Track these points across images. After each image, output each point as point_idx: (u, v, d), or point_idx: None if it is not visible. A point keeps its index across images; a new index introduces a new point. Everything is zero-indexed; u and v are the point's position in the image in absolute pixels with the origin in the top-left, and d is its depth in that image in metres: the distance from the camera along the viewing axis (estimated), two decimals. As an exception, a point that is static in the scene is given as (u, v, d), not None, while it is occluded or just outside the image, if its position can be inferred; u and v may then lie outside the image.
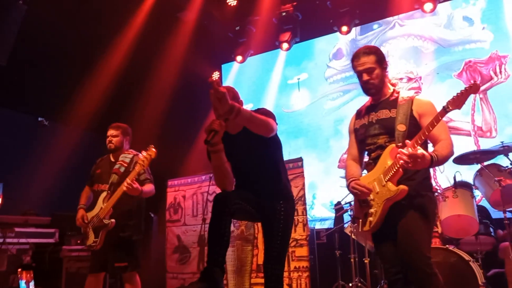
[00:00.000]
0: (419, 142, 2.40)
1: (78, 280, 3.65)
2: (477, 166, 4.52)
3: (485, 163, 4.49)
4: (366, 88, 2.70)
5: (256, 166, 2.87)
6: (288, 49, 7.30)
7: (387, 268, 2.61)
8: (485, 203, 4.60)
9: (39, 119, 5.37)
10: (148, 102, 6.99)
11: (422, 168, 2.46)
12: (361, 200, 2.68)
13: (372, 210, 2.56)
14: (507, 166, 4.21)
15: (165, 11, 6.79)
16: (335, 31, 7.07)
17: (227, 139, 2.73)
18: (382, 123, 2.64)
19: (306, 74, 7.51)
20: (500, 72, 5.81)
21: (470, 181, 4.52)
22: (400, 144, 2.49)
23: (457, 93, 2.37)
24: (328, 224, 6.39)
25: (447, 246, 3.93)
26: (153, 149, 3.72)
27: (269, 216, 2.79)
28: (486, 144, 5.56)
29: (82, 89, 6.24)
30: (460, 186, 4.27)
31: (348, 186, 2.77)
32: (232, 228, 5.51)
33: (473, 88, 2.36)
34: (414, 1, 6.39)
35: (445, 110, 2.38)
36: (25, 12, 5.29)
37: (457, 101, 2.35)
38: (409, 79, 6.46)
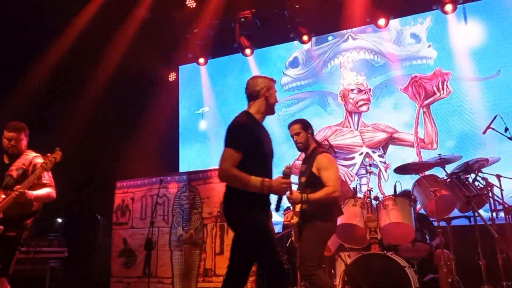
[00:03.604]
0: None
1: (14, 284, 3.50)
2: (418, 176, 4.76)
3: (426, 173, 4.74)
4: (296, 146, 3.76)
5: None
6: (246, 55, 7.38)
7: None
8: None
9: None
10: (98, 101, 6.82)
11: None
12: None
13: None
14: (443, 177, 4.46)
15: (118, 7, 6.68)
16: (292, 40, 7.23)
17: (262, 128, 2.92)
18: (301, 174, 3.75)
19: (262, 80, 7.58)
20: (443, 88, 6.15)
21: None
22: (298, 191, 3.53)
23: None
24: (278, 228, 6.48)
25: (385, 252, 4.10)
26: (59, 152, 3.57)
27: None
28: (428, 155, 5.86)
29: (21, 84, 6.02)
30: (400, 195, 4.49)
31: None
32: (181, 231, 5.51)
33: None
34: (367, 15, 6.64)
35: None
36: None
37: None
38: (359, 91, 6.70)
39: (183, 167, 7.58)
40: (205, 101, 7.89)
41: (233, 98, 7.73)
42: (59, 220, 5.79)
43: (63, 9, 6.18)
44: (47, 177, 3.67)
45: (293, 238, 3.89)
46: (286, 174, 2.77)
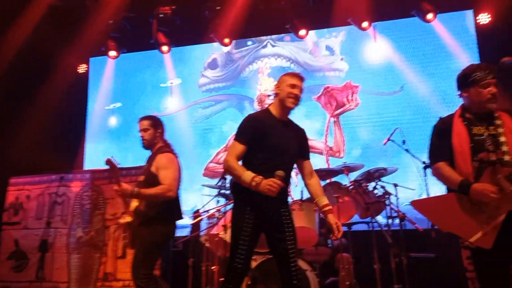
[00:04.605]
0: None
1: None
2: (324, 183, 4.94)
3: (332, 180, 4.94)
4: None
5: (291, 166, 2.96)
6: (163, 52, 7.16)
7: None
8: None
9: None
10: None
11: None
12: None
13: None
14: (346, 184, 4.67)
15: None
16: (212, 41, 7.16)
17: (279, 124, 2.89)
18: (141, 173, 3.63)
19: (179, 80, 7.45)
20: (352, 99, 6.49)
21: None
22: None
23: None
24: (187, 231, 6.36)
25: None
26: None
27: (276, 221, 2.82)
28: (336, 163, 6.12)
29: None
30: (307, 200, 4.61)
31: None
32: (80, 233, 5.17)
33: None
34: (287, 23, 6.77)
35: None
36: None
37: None
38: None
39: (89, 165, 7.16)
40: (117, 97, 7.54)
41: (148, 95, 7.48)
42: None
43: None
44: None
45: (126, 241, 3.56)
46: (279, 176, 2.66)
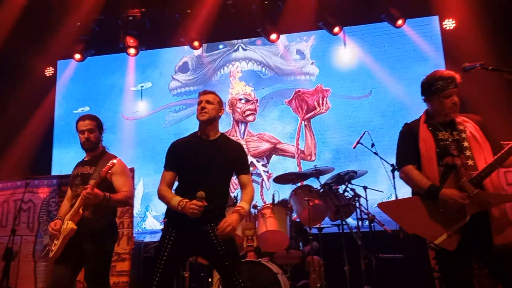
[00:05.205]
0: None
1: None
2: (295, 186, 4.97)
3: (304, 183, 4.98)
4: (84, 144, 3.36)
5: (218, 182, 2.91)
6: (131, 55, 7.04)
7: None
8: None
9: None
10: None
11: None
12: None
13: (56, 241, 3.13)
14: (317, 188, 4.72)
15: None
16: (182, 44, 7.11)
17: (202, 143, 2.92)
18: (82, 177, 3.29)
19: (150, 83, 7.37)
20: (323, 103, 6.57)
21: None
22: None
23: None
24: (158, 237, 6.28)
25: (260, 259, 4.18)
26: None
27: (205, 241, 2.81)
28: (307, 166, 6.18)
29: None
30: (278, 204, 4.63)
31: None
32: (47, 240, 5.02)
33: None
34: (258, 27, 6.80)
35: None
36: None
37: None
38: (247, 101, 6.84)
39: (56, 170, 6.97)
40: (85, 100, 7.38)
41: (117, 99, 7.36)
42: None
43: None
44: None
45: (53, 248, 3.15)
46: (199, 197, 2.69)
